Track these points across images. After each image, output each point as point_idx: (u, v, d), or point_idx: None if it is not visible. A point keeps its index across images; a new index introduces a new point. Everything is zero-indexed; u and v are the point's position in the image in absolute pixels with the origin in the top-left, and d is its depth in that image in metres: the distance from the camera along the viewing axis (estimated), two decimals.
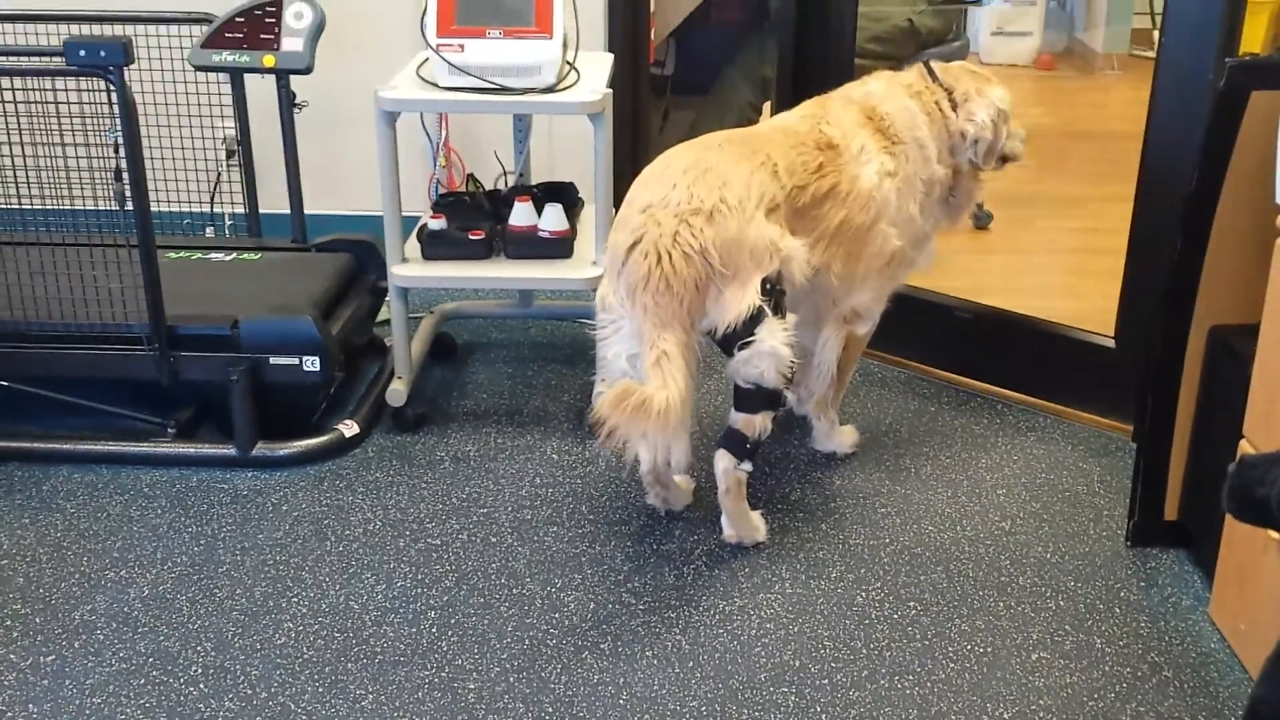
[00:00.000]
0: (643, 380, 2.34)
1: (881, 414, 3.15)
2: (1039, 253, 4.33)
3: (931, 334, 3.34)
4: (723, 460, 2.54)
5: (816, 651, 2.32)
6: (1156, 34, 6.92)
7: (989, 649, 2.34)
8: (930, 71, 2.78)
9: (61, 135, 2.99)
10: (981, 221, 4.23)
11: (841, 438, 2.96)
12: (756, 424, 2.50)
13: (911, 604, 2.45)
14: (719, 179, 2.42)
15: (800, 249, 2.48)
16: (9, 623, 2.37)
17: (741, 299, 2.38)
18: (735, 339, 2.40)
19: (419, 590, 2.48)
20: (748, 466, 2.54)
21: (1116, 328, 3.05)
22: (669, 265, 2.35)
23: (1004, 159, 2.86)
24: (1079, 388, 3.13)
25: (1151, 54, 6.63)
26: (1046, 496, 2.81)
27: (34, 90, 2.92)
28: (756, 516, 2.64)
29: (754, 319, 2.38)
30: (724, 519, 2.60)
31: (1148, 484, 2.59)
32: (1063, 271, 4.20)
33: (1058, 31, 7.13)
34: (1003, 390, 3.24)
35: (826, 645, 2.34)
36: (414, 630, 2.37)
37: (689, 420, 2.40)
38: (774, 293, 2.41)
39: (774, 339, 2.40)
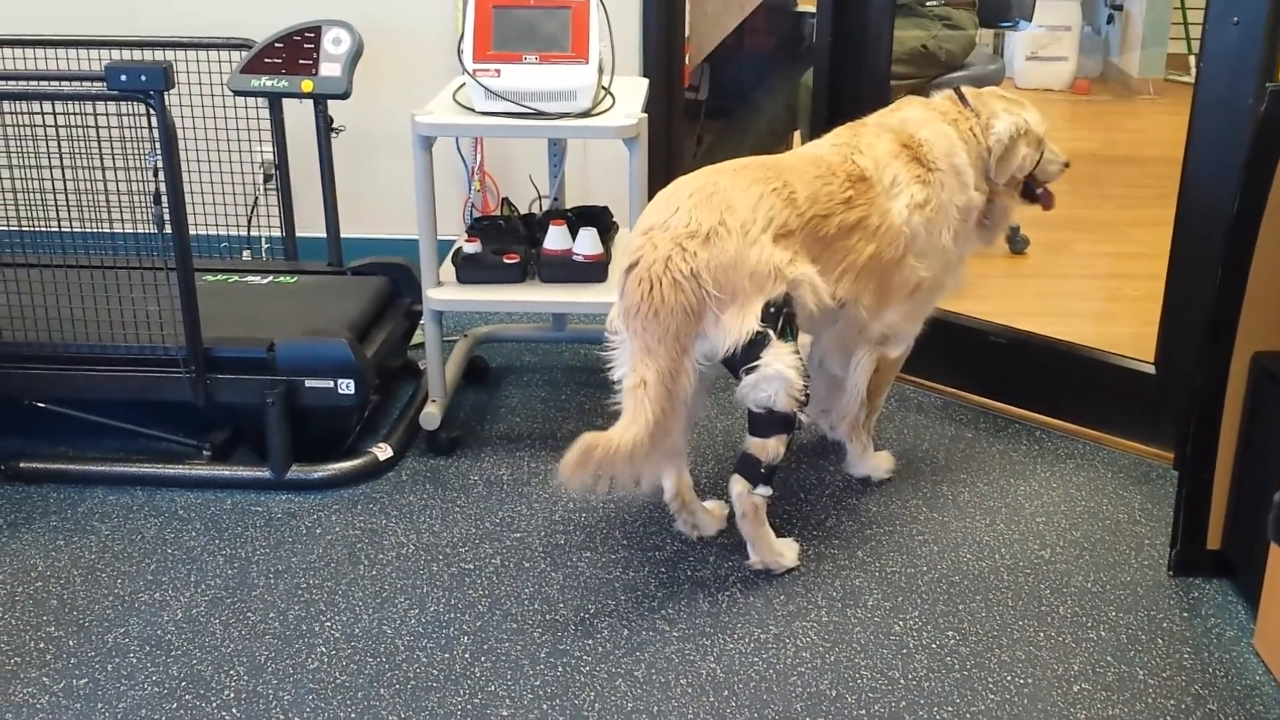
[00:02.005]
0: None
1: (918, 439, 3.13)
2: (1075, 277, 4.30)
3: (968, 358, 3.31)
4: (737, 485, 2.52)
5: (854, 681, 2.29)
6: (1193, 59, 6.92)
7: (1029, 680, 2.30)
8: (961, 97, 2.77)
9: (101, 159, 3.02)
10: (1018, 246, 4.20)
11: (876, 462, 2.94)
12: (770, 448, 2.48)
13: (950, 633, 2.42)
14: (723, 203, 2.42)
15: (813, 275, 2.47)
16: (42, 645, 2.38)
17: (740, 323, 2.37)
18: (739, 363, 2.39)
19: (452, 615, 2.47)
20: (764, 491, 2.52)
21: (1156, 354, 3.02)
22: (658, 293, 2.36)
23: (1036, 181, 2.83)
24: (1119, 414, 3.10)
25: (1187, 79, 6.65)
26: (1087, 525, 2.78)
27: (75, 114, 2.94)
28: (785, 543, 2.62)
29: (756, 343, 2.37)
30: (748, 545, 2.59)
31: (1190, 512, 2.56)
32: (1099, 296, 4.17)
33: (1093, 56, 7.12)
34: (1041, 416, 3.21)
35: (864, 675, 2.31)
36: (447, 655, 2.36)
37: (664, 452, 2.44)
38: (779, 317, 2.40)
39: (780, 363, 2.39)
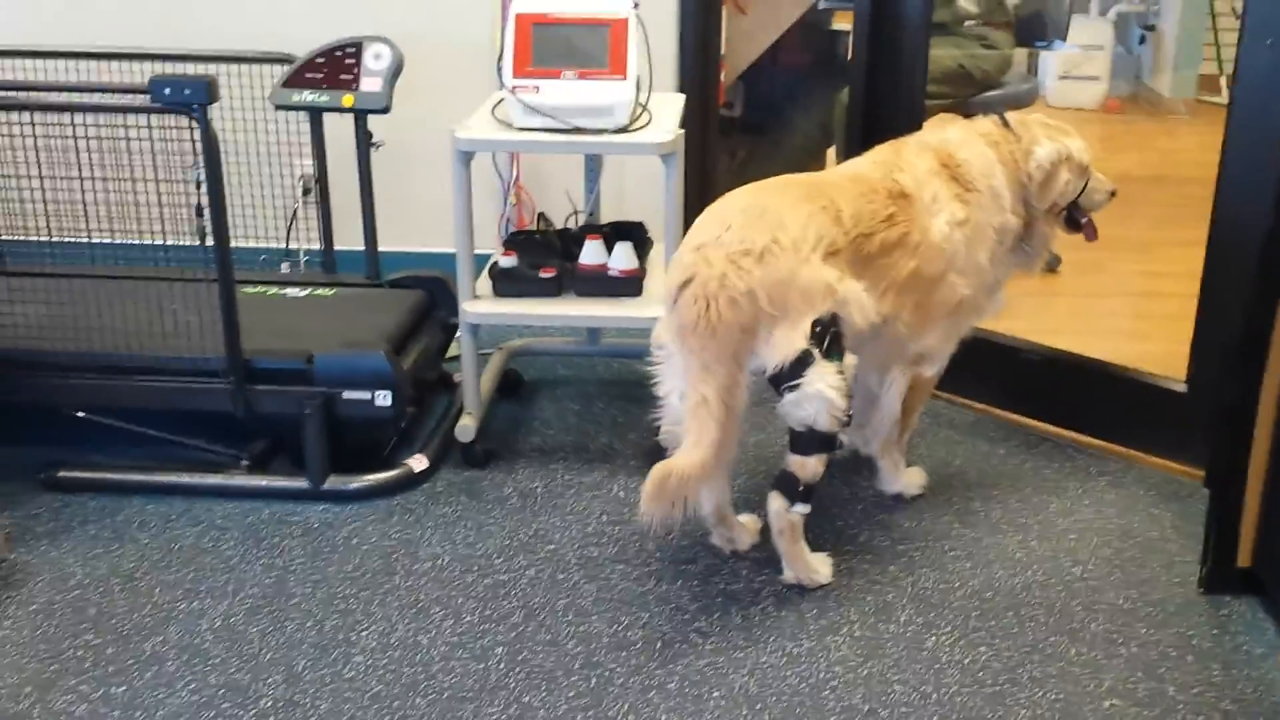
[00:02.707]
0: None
1: (950, 456, 3.13)
2: (1107, 295, 4.29)
3: (1000, 376, 3.31)
4: (775, 502, 2.53)
5: (886, 696, 2.30)
6: (1224, 80, 6.91)
7: (1061, 696, 2.30)
8: (1005, 121, 2.78)
9: (144, 171, 3.06)
10: (1050, 264, 4.20)
11: (908, 479, 2.94)
12: (810, 467, 2.49)
13: (982, 649, 2.42)
14: (775, 220, 2.43)
15: (860, 293, 2.48)
16: (81, 652, 2.40)
17: (790, 341, 2.38)
18: (783, 380, 2.40)
19: (487, 626, 2.49)
20: (802, 509, 2.53)
21: (1188, 372, 3.02)
22: (715, 311, 2.36)
23: (1080, 210, 2.83)
24: (1150, 432, 3.09)
25: (1219, 100, 6.64)
26: (1118, 542, 2.77)
27: (119, 126, 2.99)
28: (819, 559, 2.63)
29: (801, 361, 2.38)
30: (783, 560, 2.60)
31: (1221, 530, 2.55)
32: (1131, 314, 4.16)
33: (1125, 76, 7.12)
34: (1072, 434, 3.20)
35: (896, 689, 2.32)
36: (482, 666, 2.37)
37: (721, 468, 2.47)
38: (825, 335, 2.41)
39: (822, 382, 2.39)
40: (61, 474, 2.95)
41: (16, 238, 3.31)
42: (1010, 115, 2.80)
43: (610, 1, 2.89)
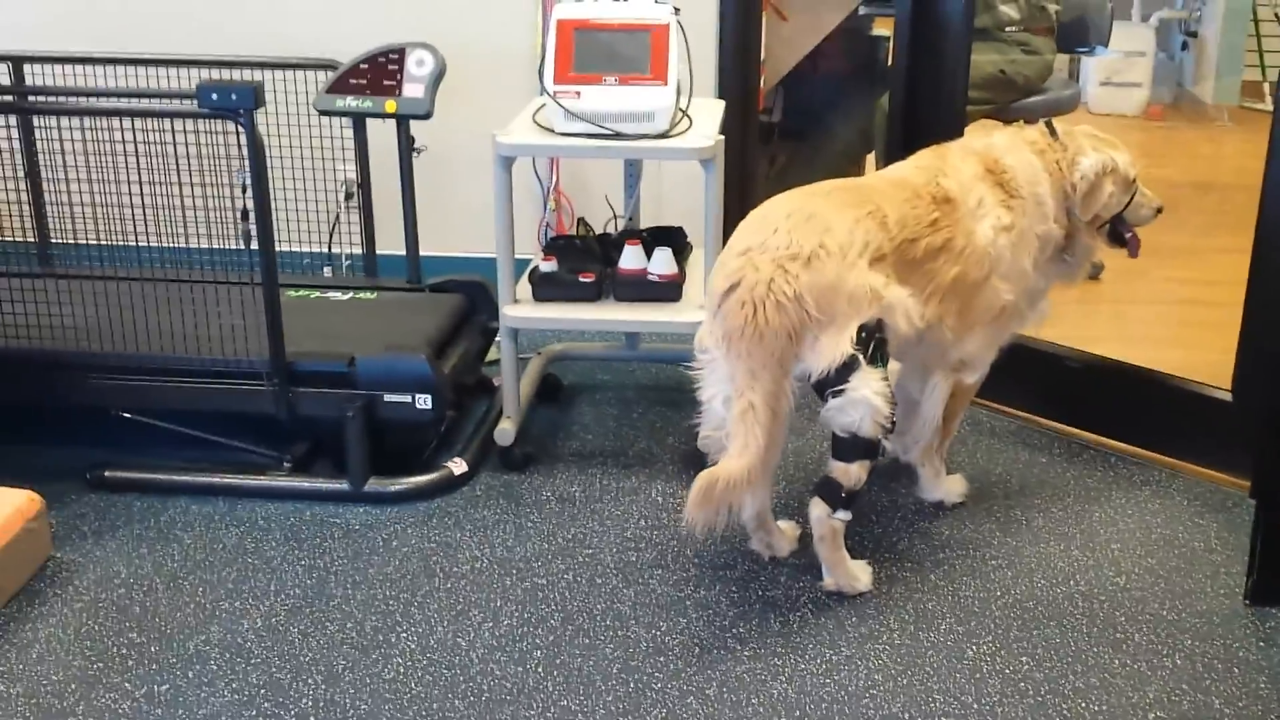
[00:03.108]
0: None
1: (991, 464, 3.11)
2: (1151, 303, 4.26)
3: (1042, 383, 3.29)
4: (817, 508, 2.53)
5: (927, 705, 2.29)
6: (1268, 86, 6.83)
7: (1104, 707, 2.28)
8: (1052, 130, 2.76)
9: (190, 176, 3.09)
10: (1093, 271, 4.17)
11: (948, 487, 2.93)
12: (852, 473, 2.48)
13: (1024, 659, 2.41)
14: (821, 225, 2.43)
15: (906, 298, 2.47)
16: (125, 651, 2.43)
17: (836, 346, 2.38)
18: (827, 385, 2.40)
19: (525, 629, 2.49)
20: (844, 515, 2.52)
21: (1233, 381, 2.98)
22: (762, 316, 2.36)
23: (1125, 224, 2.81)
24: (1195, 441, 3.06)
25: (1262, 106, 6.56)
26: (1162, 552, 2.75)
27: (166, 131, 3.02)
28: (859, 566, 2.62)
29: (847, 367, 2.38)
30: (823, 567, 2.59)
31: (1267, 541, 2.52)
32: (1175, 322, 4.13)
33: (1166, 83, 7.05)
34: (1116, 442, 3.18)
35: (937, 699, 2.30)
36: (520, 670, 2.38)
37: (767, 475, 2.47)
38: (871, 341, 2.40)
39: (867, 388, 2.39)
40: (107, 474, 2.99)
41: (66, 241, 3.36)
42: (1057, 125, 2.78)
43: (651, 7, 2.91)
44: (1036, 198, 2.68)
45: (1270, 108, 2.87)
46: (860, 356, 2.38)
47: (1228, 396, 2.99)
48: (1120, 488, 3.01)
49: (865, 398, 2.39)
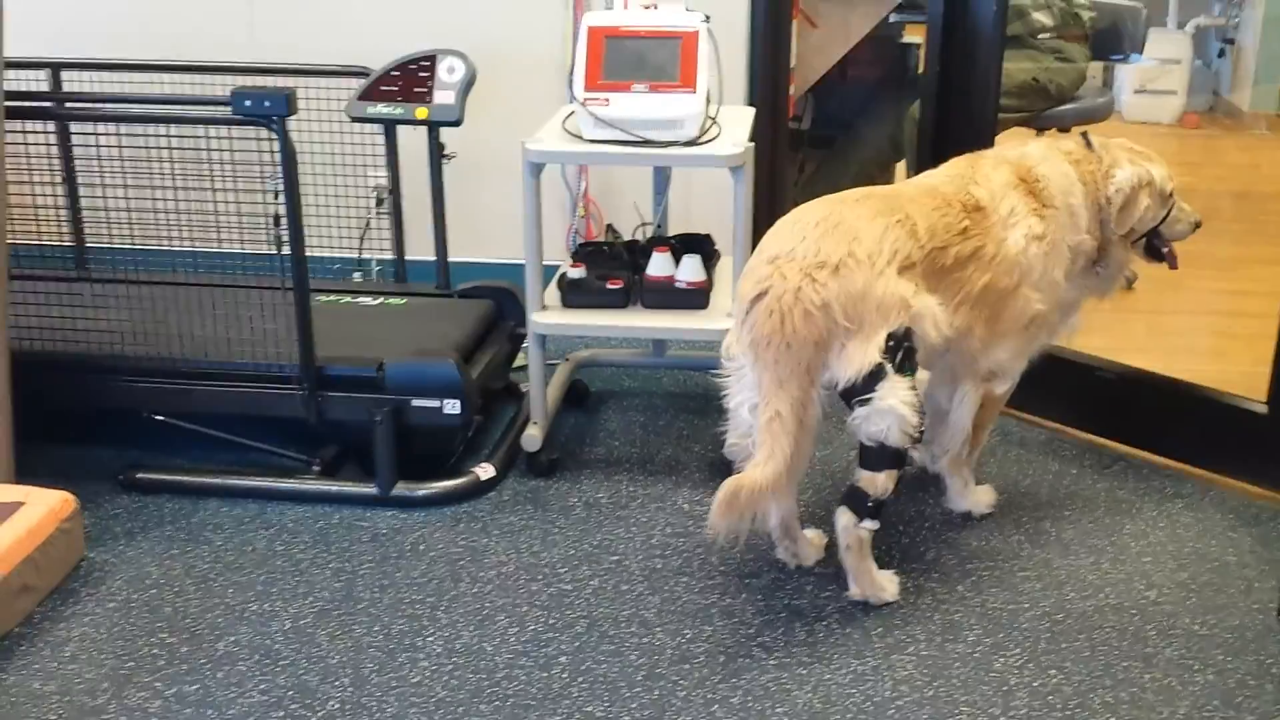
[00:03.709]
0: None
1: (1020, 475, 3.09)
2: (1185, 313, 4.22)
3: (1073, 394, 3.26)
4: (843, 517, 2.51)
5: (953, 717, 2.27)
6: None
7: None
8: (1088, 141, 2.74)
9: (223, 181, 3.12)
10: (1127, 281, 4.13)
11: (977, 497, 2.91)
12: (880, 482, 2.47)
13: (1052, 672, 2.38)
14: (850, 233, 2.42)
15: (935, 307, 2.46)
16: (156, 651, 2.45)
17: (864, 354, 2.37)
18: (854, 394, 2.39)
19: (551, 635, 2.50)
20: (871, 525, 2.51)
21: (1269, 392, 2.94)
22: (790, 325, 2.36)
23: (1162, 239, 2.79)
24: (1229, 454, 3.03)
25: None
26: (1194, 566, 2.72)
27: (199, 136, 3.05)
28: (886, 576, 2.60)
29: (874, 375, 2.37)
30: (849, 577, 2.58)
31: None
32: (1210, 333, 4.08)
33: (1203, 91, 6.99)
34: (1148, 454, 3.15)
35: (964, 711, 2.29)
36: (545, 675, 2.38)
37: (792, 484, 2.46)
38: (899, 349, 2.39)
39: (894, 397, 2.37)
40: (139, 475, 3.02)
41: (101, 244, 3.39)
42: (1093, 136, 2.76)
43: (682, 15, 2.91)
44: (1070, 208, 2.66)
45: None
46: (888, 365, 2.37)
47: (1264, 409, 2.96)
48: (1152, 500, 2.98)
49: (892, 407, 2.37)
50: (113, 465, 3.04)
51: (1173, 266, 2.84)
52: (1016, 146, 2.75)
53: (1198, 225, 2.82)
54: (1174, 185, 2.75)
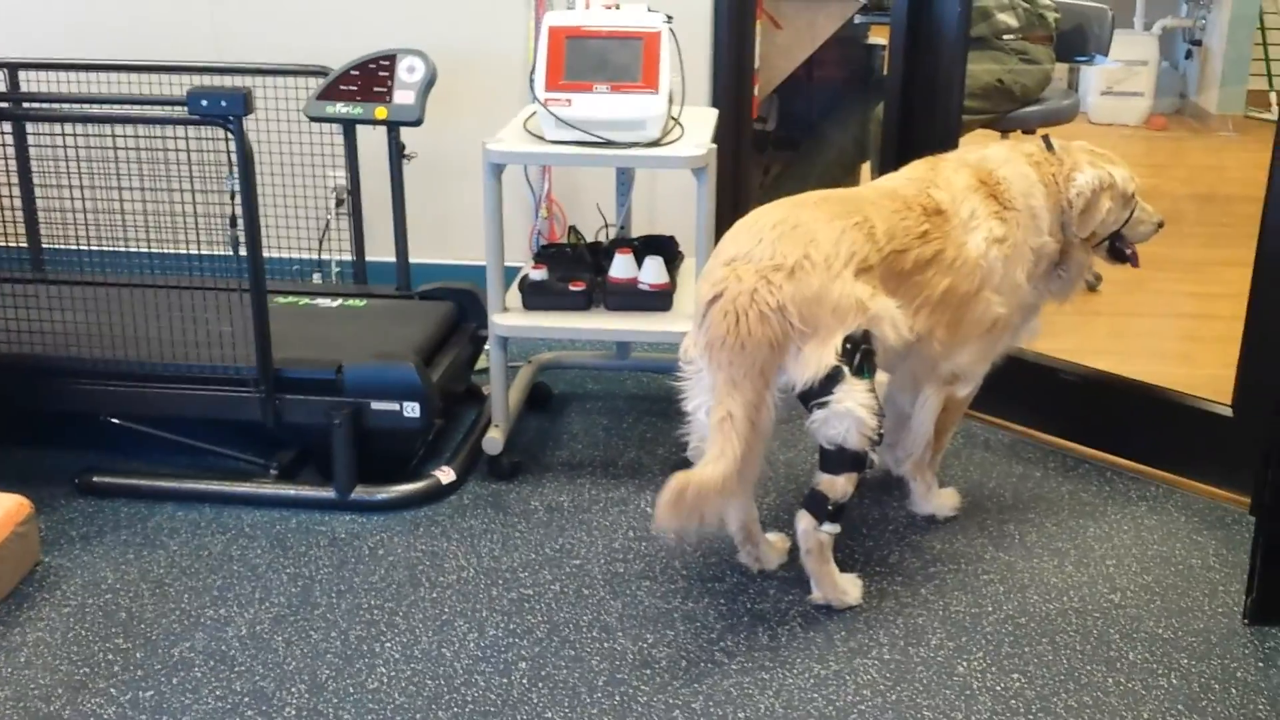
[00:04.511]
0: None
1: (984, 477, 3.08)
2: (1150, 316, 4.23)
3: (1037, 396, 3.26)
4: (803, 521, 2.50)
5: None
6: (1273, 96, 6.80)
7: None
8: (1049, 145, 2.74)
9: (180, 182, 3.08)
10: (1091, 283, 4.14)
11: (940, 500, 2.90)
12: (839, 485, 2.46)
13: (1015, 676, 2.37)
14: (807, 236, 2.41)
15: (893, 309, 2.44)
16: (110, 656, 2.41)
17: (820, 357, 2.36)
18: (812, 397, 2.38)
19: (511, 640, 2.47)
20: (831, 528, 2.50)
21: (1234, 396, 2.95)
22: (745, 326, 2.34)
23: (1125, 240, 2.78)
24: (1193, 457, 3.03)
25: (1268, 116, 6.54)
26: (1159, 569, 2.71)
27: (155, 137, 3.01)
28: (848, 580, 2.59)
29: (831, 378, 2.36)
30: (811, 580, 2.56)
31: (1267, 559, 2.49)
32: (1175, 336, 4.09)
33: (1170, 92, 7.03)
34: (1112, 457, 3.15)
35: (926, 715, 2.27)
36: (505, 681, 2.36)
37: (746, 485, 2.44)
38: (856, 352, 2.38)
39: (852, 400, 2.36)
40: (95, 479, 2.98)
41: (57, 246, 3.35)
42: (1054, 139, 2.76)
43: (644, 15, 2.89)
44: (1031, 210, 2.66)
45: (1275, 117, 2.84)
46: (845, 368, 2.36)
47: (1228, 412, 2.96)
48: (1116, 503, 2.98)
49: (850, 410, 2.36)
50: (68, 469, 3.00)
51: (1135, 265, 2.84)
52: (977, 149, 2.75)
53: (1160, 226, 2.82)
54: (1136, 187, 2.75)
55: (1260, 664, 2.42)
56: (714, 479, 2.32)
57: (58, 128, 3.02)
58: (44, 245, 3.49)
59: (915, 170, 2.70)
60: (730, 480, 2.34)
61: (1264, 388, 2.76)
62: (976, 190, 2.62)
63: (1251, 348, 2.88)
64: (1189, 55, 7.12)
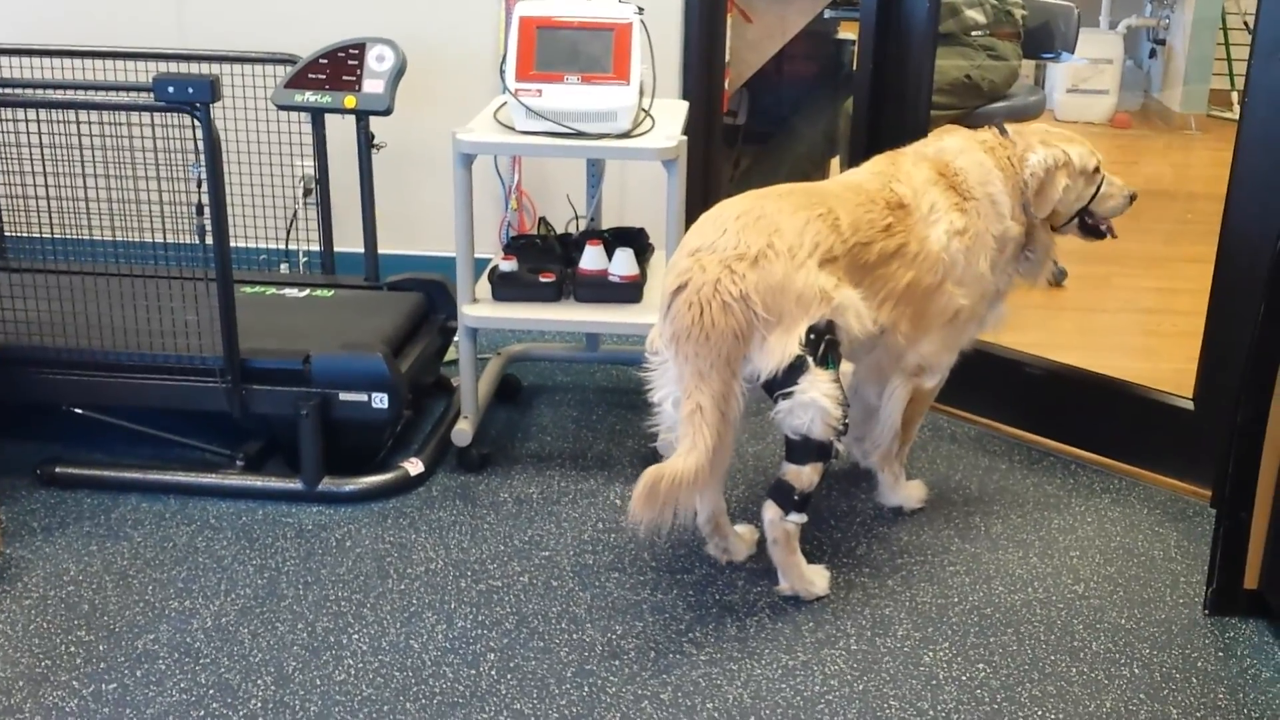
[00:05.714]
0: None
1: (951, 470, 3.11)
2: (1114, 311, 4.27)
3: (1003, 390, 3.29)
4: (769, 511, 2.51)
5: (882, 712, 2.27)
6: (1236, 95, 6.88)
7: (1060, 716, 2.27)
8: (1003, 130, 2.75)
9: (146, 170, 3.05)
10: (1056, 278, 4.18)
11: (908, 492, 2.92)
12: (805, 476, 2.47)
13: (980, 666, 2.40)
14: (770, 226, 2.42)
15: (857, 300, 2.46)
16: (73, 649, 2.39)
17: (784, 347, 2.36)
18: (776, 387, 2.39)
19: (479, 632, 2.47)
20: (797, 518, 2.51)
21: (1195, 390, 2.99)
22: (709, 317, 2.35)
23: (1094, 216, 2.80)
24: (1156, 450, 3.06)
25: (1229, 115, 6.62)
26: (1121, 560, 2.74)
27: (121, 124, 2.98)
28: (816, 571, 2.60)
29: (795, 368, 2.36)
30: (778, 571, 2.57)
31: (1227, 551, 2.52)
32: (1138, 330, 4.14)
33: (1134, 90, 7.10)
34: (1076, 450, 3.18)
35: (892, 705, 2.29)
36: (473, 672, 2.35)
37: (716, 476, 2.45)
38: (820, 342, 2.39)
39: (816, 390, 2.37)
40: (58, 470, 2.95)
41: (21, 234, 3.31)
42: (1011, 126, 2.77)
43: (615, 6, 2.89)
44: (990, 198, 2.67)
45: (1237, 116, 2.87)
46: (809, 358, 2.37)
47: (1190, 405, 3.00)
48: (1080, 495, 3.01)
49: (814, 400, 2.37)
50: (31, 459, 2.97)
51: (1113, 236, 2.84)
52: (934, 141, 2.76)
53: (1133, 198, 2.82)
54: (1098, 161, 2.76)
55: (1220, 654, 2.45)
56: (687, 471, 2.32)
57: (20, 113, 2.99)
58: (6, 233, 3.44)
59: (877, 165, 2.72)
60: (703, 471, 2.35)
61: (1224, 382, 2.79)
62: (935, 183, 2.63)
63: (1212, 343, 2.92)
64: (1153, 54, 7.19)
